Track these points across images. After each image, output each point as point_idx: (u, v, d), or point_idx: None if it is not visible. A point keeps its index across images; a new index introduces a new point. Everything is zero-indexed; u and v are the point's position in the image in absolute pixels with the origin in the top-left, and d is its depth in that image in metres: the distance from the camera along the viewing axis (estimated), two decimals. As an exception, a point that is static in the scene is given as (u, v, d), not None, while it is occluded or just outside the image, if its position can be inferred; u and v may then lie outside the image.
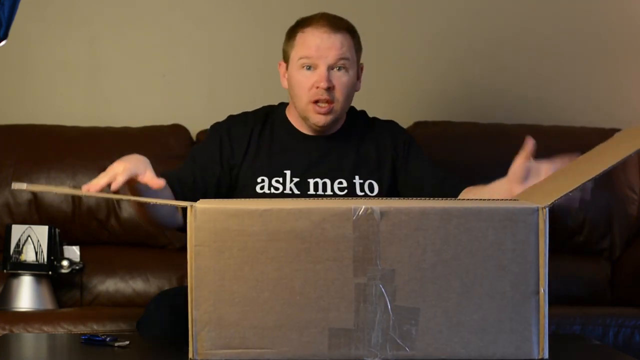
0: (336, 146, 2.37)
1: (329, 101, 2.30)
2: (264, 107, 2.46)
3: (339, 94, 2.31)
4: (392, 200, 1.67)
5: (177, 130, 3.18)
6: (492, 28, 3.45)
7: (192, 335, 1.57)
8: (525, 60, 3.44)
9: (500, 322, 1.58)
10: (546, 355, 1.59)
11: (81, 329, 2.56)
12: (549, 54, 3.44)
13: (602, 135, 3.08)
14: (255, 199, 1.72)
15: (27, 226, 2.86)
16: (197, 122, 3.16)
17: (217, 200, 1.64)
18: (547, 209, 1.58)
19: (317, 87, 2.29)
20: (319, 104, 2.31)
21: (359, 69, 2.40)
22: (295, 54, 2.33)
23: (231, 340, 1.58)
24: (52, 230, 2.85)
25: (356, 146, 2.38)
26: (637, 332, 2.57)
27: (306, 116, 2.33)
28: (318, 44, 2.30)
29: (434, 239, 1.57)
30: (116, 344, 1.80)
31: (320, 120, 2.32)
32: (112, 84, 3.37)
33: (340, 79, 2.31)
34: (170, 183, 2.15)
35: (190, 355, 1.58)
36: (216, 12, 3.39)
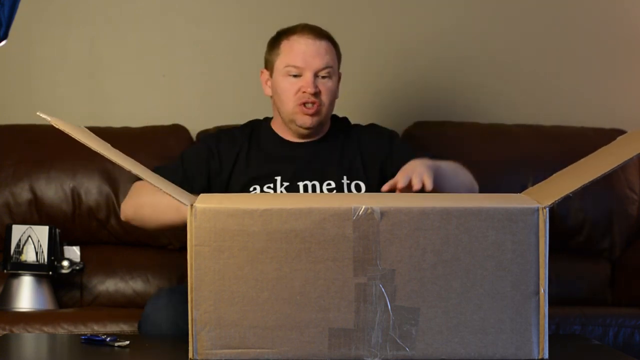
0: (321, 150, 2.44)
1: (316, 103, 2.36)
2: (250, 122, 2.52)
3: (325, 98, 2.38)
4: (392, 200, 1.67)
5: (177, 130, 3.17)
6: (493, 28, 3.44)
7: (192, 335, 1.57)
8: (525, 60, 3.44)
9: (501, 322, 1.58)
10: (546, 356, 1.59)
11: (81, 329, 2.56)
12: (549, 54, 3.44)
13: (602, 135, 3.12)
14: (256, 198, 1.72)
15: (27, 226, 2.86)
16: (197, 122, 3.16)
17: (217, 199, 1.64)
18: (547, 209, 1.58)
19: (304, 92, 2.35)
20: (306, 105, 2.36)
21: (338, 77, 2.46)
22: (280, 62, 2.40)
23: (231, 340, 1.58)
24: (52, 230, 2.85)
25: (340, 150, 2.44)
26: (637, 332, 2.57)
27: (293, 119, 2.39)
28: (304, 51, 2.37)
29: (434, 239, 1.57)
30: (116, 344, 1.80)
31: (307, 121, 2.37)
32: (112, 84, 3.37)
33: (326, 84, 2.38)
34: None
35: (190, 355, 1.58)
36: (216, 13, 3.39)
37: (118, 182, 3.05)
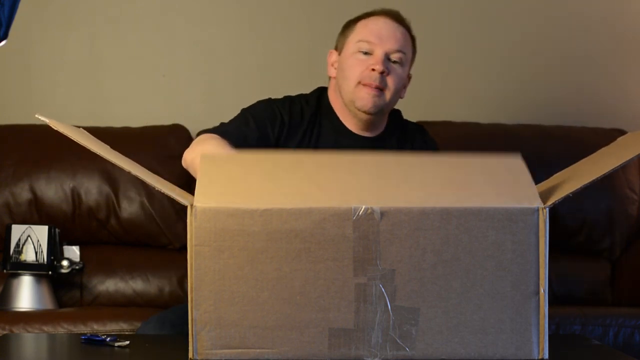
0: (378, 149, 2.28)
1: (380, 88, 2.20)
2: (316, 96, 2.33)
3: (390, 82, 2.22)
4: (392, 200, 1.67)
5: (177, 130, 3.17)
6: (493, 28, 3.44)
7: (192, 335, 1.57)
8: (525, 60, 3.44)
9: (501, 322, 1.58)
10: (546, 356, 1.59)
11: (81, 329, 2.56)
12: (550, 54, 3.44)
13: (602, 135, 3.13)
14: (256, 197, 1.71)
15: (27, 226, 2.86)
16: (196, 122, 3.15)
17: (217, 199, 1.64)
18: (547, 209, 1.58)
19: (372, 70, 2.20)
20: (369, 84, 2.20)
21: (408, 77, 2.32)
22: (353, 37, 2.25)
23: (231, 340, 1.58)
24: (52, 230, 2.85)
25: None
26: (637, 332, 2.57)
27: (353, 99, 2.22)
28: (380, 28, 2.23)
29: (434, 239, 1.57)
30: (116, 344, 1.80)
31: (367, 103, 2.21)
32: (113, 84, 3.37)
33: (395, 70, 2.23)
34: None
35: (190, 355, 1.58)
36: (216, 12, 3.39)
37: (118, 182, 3.05)
